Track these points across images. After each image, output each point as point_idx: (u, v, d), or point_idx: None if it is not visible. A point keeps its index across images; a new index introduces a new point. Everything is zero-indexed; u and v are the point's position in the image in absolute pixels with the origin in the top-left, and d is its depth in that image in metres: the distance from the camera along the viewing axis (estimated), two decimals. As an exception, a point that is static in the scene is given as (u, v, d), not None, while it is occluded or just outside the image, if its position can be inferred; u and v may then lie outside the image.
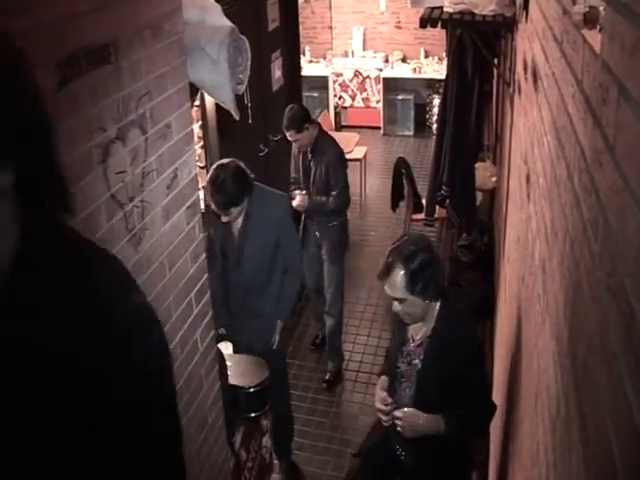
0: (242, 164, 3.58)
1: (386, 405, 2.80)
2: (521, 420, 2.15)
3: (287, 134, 4.65)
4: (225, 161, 3.57)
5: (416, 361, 2.80)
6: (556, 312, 1.39)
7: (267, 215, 3.67)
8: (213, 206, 3.52)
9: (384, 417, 2.82)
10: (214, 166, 3.57)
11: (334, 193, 4.71)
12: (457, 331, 2.70)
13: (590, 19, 1.14)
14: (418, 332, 2.80)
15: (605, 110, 0.97)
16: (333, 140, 4.87)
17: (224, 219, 3.57)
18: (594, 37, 1.10)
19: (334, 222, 4.91)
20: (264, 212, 3.65)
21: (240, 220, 3.66)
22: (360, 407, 4.85)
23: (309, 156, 4.76)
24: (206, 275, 2.77)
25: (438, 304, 2.70)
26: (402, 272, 2.58)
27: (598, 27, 1.07)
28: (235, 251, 3.75)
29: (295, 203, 4.65)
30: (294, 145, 4.79)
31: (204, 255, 2.74)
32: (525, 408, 2.02)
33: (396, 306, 2.70)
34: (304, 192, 4.77)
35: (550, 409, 1.40)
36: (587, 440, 0.99)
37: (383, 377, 3.00)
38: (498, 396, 3.21)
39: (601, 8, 1.07)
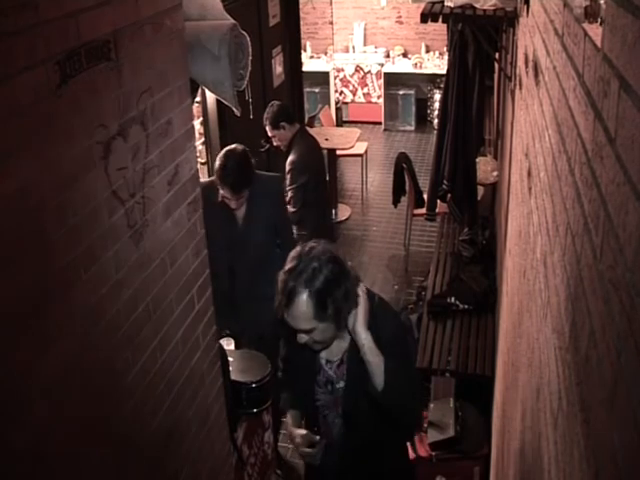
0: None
1: (313, 446, 2.42)
2: (522, 414, 2.15)
3: (267, 129, 4.78)
4: (232, 146, 3.70)
5: (340, 384, 2.43)
6: (557, 306, 1.39)
7: (267, 196, 3.78)
8: (225, 192, 3.58)
9: (313, 459, 2.45)
10: (223, 153, 3.66)
11: (290, 209, 4.54)
12: (379, 326, 2.29)
13: (591, 12, 1.14)
14: (334, 352, 2.42)
15: (606, 103, 0.97)
16: (302, 145, 4.79)
17: (234, 205, 3.65)
18: (595, 30, 1.10)
19: (300, 232, 4.64)
20: (264, 194, 3.74)
21: (243, 206, 3.71)
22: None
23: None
24: (207, 271, 2.77)
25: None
26: (306, 298, 2.11)
27: (599, 20, 1.07)
28: (241, 238, 3.79)
29: None
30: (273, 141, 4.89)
31: (205, 251, 2.74)
32: (526, 402, 2.02)
33: (301, 337, 2.24)
34: None
35: (552, 403, 1.40)
36: (589, 434, 0.99)
37: (292, 412, 2.60)
38: (499, 390, 3.22)
39: (602, 1, 1.06)
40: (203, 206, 3.52)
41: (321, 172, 5.21)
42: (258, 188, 3.73)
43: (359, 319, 2.21)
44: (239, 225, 3.77)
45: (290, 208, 4.57)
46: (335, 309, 2.15)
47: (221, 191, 3.65)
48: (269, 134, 4.79)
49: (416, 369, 2.64)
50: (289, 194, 4.63)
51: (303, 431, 2.46)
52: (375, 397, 2.23)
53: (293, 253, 2.21)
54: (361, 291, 2.26)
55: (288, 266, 2.17)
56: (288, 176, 4.66)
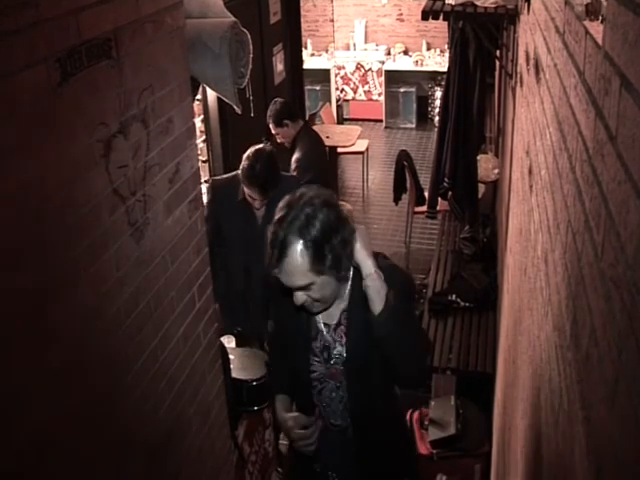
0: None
1: (307, 428, 2.19)
2: (523, 412, 2.15)
3: (270, 126, 4.75)
4: (260, 146, 3.67)
5: (338, 349, 2.19)
6: (558, 304, 1.39)
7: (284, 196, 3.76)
8: (253, 192, 3.55)
9: (308, 443, 2.19)
10: (251, 153, 3.62)
11: None
12: (385, 279, 2.02)
13: (592, 10, 1.14)
14: (332, 313, 2.18)
15: (607, 101, 0.96)
16: (307, 143, 4.79)
17: (258, 204, 3.62)
18: (596, 28, 1.09)
19: None
20: (284, 194, 3.73)
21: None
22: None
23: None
24: (208, 269, 2.77)
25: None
26: (301, 248, 1.88)
27: (600, 18, 1.06)
28: (260, 237, 3.77)
29: None
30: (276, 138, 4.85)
31: (206, 249, 2.74)
32: (527, 400, 2.02)
33: (299, 297, 2.00)
34: None
35: (553, 401, 1.40)
36: (590, 432, 0.99)
37: (280, 396, 2.35)
38: (500, 387, 3.22)
39: (603, -1, 1.06)
40: (221, 204, 3.51)
41: (325, 168, 5.18)
42: (279, 188, 3.71)
43: (359, 247, 1.98)
44: (258, 224, 3.74)
45: None
46: (334, 258, 1.91)
47: (247, 190, 3.62)
48: (272, 131, 4.76)
49: (421, 327, 2.36)
50: None
51: (294, 413, 2.25)
52: (374, 328, 1.99)
53: (282, 202, 1.98)
54: (358, 226, 2.06)
55: (278, 215, 1.94)
56: (294, 174, 4.62)
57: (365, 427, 2.28)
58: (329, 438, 2.28)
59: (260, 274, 3.83)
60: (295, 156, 4.67)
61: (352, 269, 2.08)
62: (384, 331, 1.98)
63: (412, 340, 2.11)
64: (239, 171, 3.68)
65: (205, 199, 3.48)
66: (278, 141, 4.84)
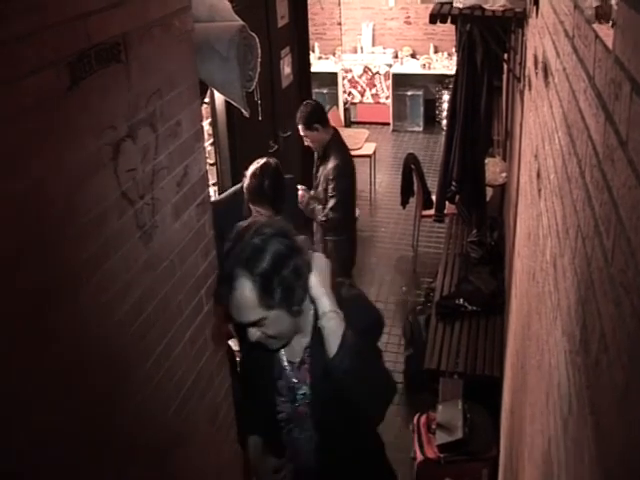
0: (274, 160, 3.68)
1: (278, 471, 2.17)
2: (532, 417, 2.14)
3: (299, 128, 4.65)
4: (263, 161, 3.62)
5: (303, 389, 2.06)
6: (567, 309, 1.38)
7: (289, 199, 3.79)
8: (264, 210, 3.52)
9: None
10: (257, 171, 3.56)
11: (328, 205, 4.52)
12: (350, 316, 1.90)
13: (602, 13, 1.14)
14: (295, 350, 2.04)
15: (617, 106, 0.96)
16: (344, 150, 4.73)
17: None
18: (606, 32, 1.09)
19: (330, 237, 4.69)
20: (287, 197, 3.74)
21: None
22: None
23: (318, 159, 4.72)
24: (216, 272, 2.77)
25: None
26: (247, 282, 1.76)
27: (610, 22, 1.06)
28: None
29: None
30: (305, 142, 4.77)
31: (214, 252, 2.74)
32: (536, 405, 2.01)
33: (253, 333, 1.87)
34: (305, 188, 4.66)
35: (562, 407, 1.39)
36: (599, 438, 0.99)
37: (253, 437, 2.29)
38: (508, 392, 3.21)
39: (613, 2, 1.06)
40: (224, 225, 3.49)
41: (355, 178, 5.11)
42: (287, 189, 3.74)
43: (314, 283, 1.85)
44: None
45: (332, 214, 4.50)
46: (284, 291, 1.78)
47: (255, 207, 3.57)
48: (301, 133, 4.66)
49: (386, 372, 2.06)
50: (334, 200, 4.50)
51: (267, 456, 2.15)
52: (329, 368, 1.85)
53: (232, 233, 1.88)
54: (315, 255, 1.94)
55: (226, 248, 1.83)
56: (333, 182, 4.51)
57: (336, 466, 2.14)
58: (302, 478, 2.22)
59: None
60: (334, 163, 4.55)
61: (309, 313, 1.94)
62: (340, 371, 1.84)
63: (373, 380, 1.96)
64: (239, 187, 3.64)
65: None
66: (305, 144, 4.76)
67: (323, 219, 4.55)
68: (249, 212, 3.62)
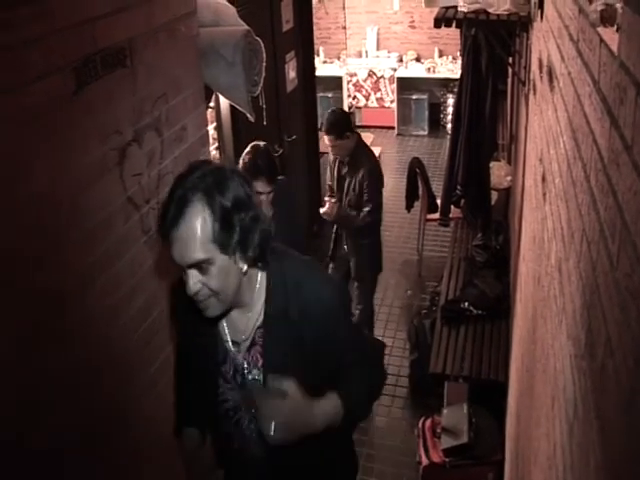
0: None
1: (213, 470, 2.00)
2: (537, 421, 2.13)
3: (326, 138, 4.56)
4: (254, 144, 3.66)
5: (254, 373, 1.83)
6: (573, 313, 1.38)
7: (286, 198, 3.79)
8: (261, 184, 3.49)
9: None
10: (250, 150, 3.61)
11: (366, 210, 4.54)
12: (306, 291, 1.76)
13: (607, 17, 1.14)
14: (239, 327, 1.82)
15: (622, 110, 0.96)
16: (372, 154, 4.74)
17: (265, 202, 3.55)
18: (611, 37, 1.09)
19: (364, 241, 4.75)
20: (284, 195, 3.78)
21: (270, 208, 3.69)
22: (387, 421, 4.71)
23: (345, 167, 4.66)
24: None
25: (263, 274, 1.75)
26: (205, 210, 1.53)
27: (615, 26, 1.06)
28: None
29: (323, 210, 4.61)
30: (330, 152, 4.70)
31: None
32: (541, 409, 2.01)
33: (193, 281, 1.59)
34: (334, 200, 4.64)
35: (567, 411, 1.39)
36: (605, 442, 0.98)
37: (188, 431, 1.98)
38: (513, 396, 3.20)
39: (618, 6, 1.06)
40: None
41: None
42: (280, 190, 3.71)
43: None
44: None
45: (370, 217, 4.55)
46: (242, 234, 1.58)
47: (254, 184, 3.59)
48: (329, 143, 4.54)
49: (368, 341, 1.99)
50: (371, 204, 4.54)
51: (202, 453, 1.92)
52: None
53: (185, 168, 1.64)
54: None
55: (178, 176, 1.60)
56: (369, 187, 4.53)
57: (290, 458, 1.87)
58: (249, 473, 2.00)
59: None
60: (365, 168, 4.54)
61: (261, 274, 1.75)
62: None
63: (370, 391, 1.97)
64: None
65: None
66: (333, 153, 4.67)
67: (362, 224, 4.57)
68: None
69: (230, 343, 1.83)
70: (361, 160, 4.57)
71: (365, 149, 4.70)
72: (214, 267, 1.57)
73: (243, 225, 1.57)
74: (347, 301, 2.00)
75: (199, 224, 1.52)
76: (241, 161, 3.64)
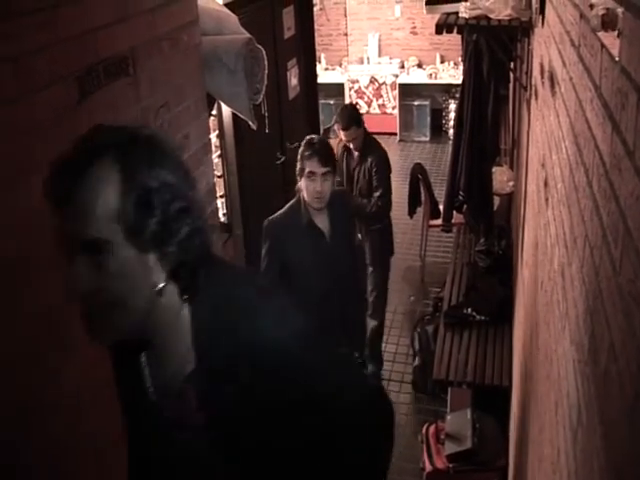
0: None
1: None
2: (541, 427, 2.13)
3: (344, 133, 4.79)
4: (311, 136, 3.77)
5: (186, 435, 1.32)
6: (576, 318, 1.38)
7: (344, 210, 3.83)
8: (314, 164, 3.51)
9: None
10: (305, 140, 3.68)
11: (376, 194, 4.76)
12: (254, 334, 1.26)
13: (608, 22, 1.14)
14: (158, 372, 1.34)
15: (624, 116, 0.96)
16: (378, 143, 5.03)
17: (319, 180, 3.53)
18: (612, 42, 1.10)
19: (376, 226, 4.94)
20: (341, 206, 3.80)
21: (327, 222, 3.68)
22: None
23: (353, 159, 4.91)
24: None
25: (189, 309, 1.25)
26: (113, 172, 1.15)
27: (616, 32, 1.06)
28: (329, 253, 3.70)
29: None
30: (339, 147, 4.89)
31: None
32: (545, 415, 2.00)
33: (81, 271, 1.16)
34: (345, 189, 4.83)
35: (571, 417, 1.39)
36: (609, 448, 0.98)
37: None
38: (517, 401, 3.20)
39: (619, 11, 1.07)
40: (285, 238, 3.47)
41: None
42: (336, 202, 3.71)
43: None
44: (327, 241, 3.69)
45: (381, 201, 4.77)
46: (162, 225, 1.15)
47: (307, 166, 3.52)
48: (347, 137, 4.79)
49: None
50: (382, 189, 4.76)
51: None
52: None
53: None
54: None
55: (94, 127, 1.25)
56: (378, 173, 4.78)
57: None
58: None
59: (333, 294, 3.72)
60: (374, 156, 4.83)
61: (188, 307, 1.26)
62: None
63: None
64: (294, 201, 3.66)
65: (264, 240, 3.51)
66: (351, 146, 4.89)
67: (374, 209, 4.77)
68: (307, 218, 3.60)
69: (152, 388, 1.35)
70: (370, 148, 4.88)
71: (373, 138, 5.01)
72: (112, 259, 1.14)
73: (166, 211, 1.16)
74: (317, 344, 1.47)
75: (102, 188, 1.13)
76: (301, 149, 3.67)
